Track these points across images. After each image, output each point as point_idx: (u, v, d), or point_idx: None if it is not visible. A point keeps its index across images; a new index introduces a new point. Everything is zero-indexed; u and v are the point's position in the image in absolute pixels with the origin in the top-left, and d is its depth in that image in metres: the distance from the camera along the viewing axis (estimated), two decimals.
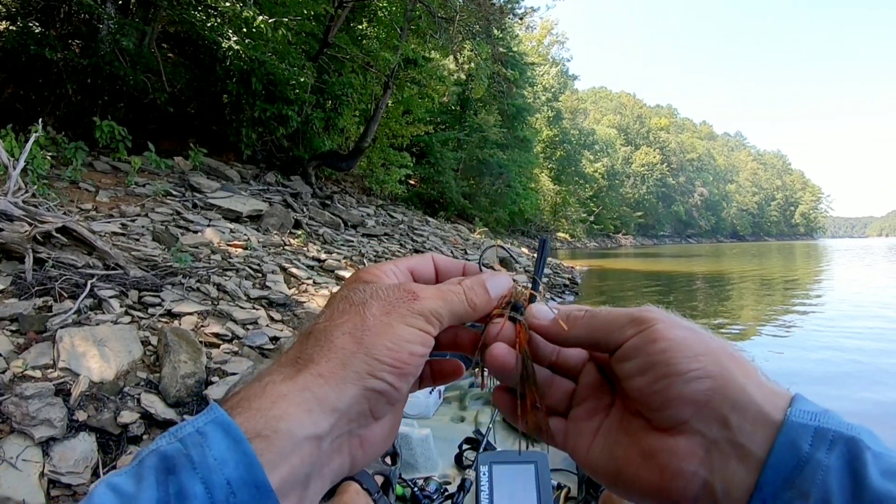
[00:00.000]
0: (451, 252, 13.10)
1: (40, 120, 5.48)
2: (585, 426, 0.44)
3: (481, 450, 1.67)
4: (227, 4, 9.82)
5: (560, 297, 12.10)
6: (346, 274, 6.86)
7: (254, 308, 4.69)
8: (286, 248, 7.50)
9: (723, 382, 0.36)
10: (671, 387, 0.37)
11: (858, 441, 0.32)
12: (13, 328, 3.22)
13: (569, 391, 0.46)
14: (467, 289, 0.46)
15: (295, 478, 0.35)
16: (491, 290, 0.46)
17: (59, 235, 4.22)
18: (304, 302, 5.32)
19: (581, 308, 0.44)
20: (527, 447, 0.48)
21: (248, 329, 4.22)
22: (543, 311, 0.45)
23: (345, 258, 7.94)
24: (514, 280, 0.48)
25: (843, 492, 0.31)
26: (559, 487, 1.52)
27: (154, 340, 3.48)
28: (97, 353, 3.08)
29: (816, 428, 0.33)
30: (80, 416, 2.67)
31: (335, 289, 6.04)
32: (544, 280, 0.48)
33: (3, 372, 2.81)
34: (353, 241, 9.90)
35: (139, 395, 2.97)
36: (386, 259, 8.97)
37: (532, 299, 0.47)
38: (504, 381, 0.46)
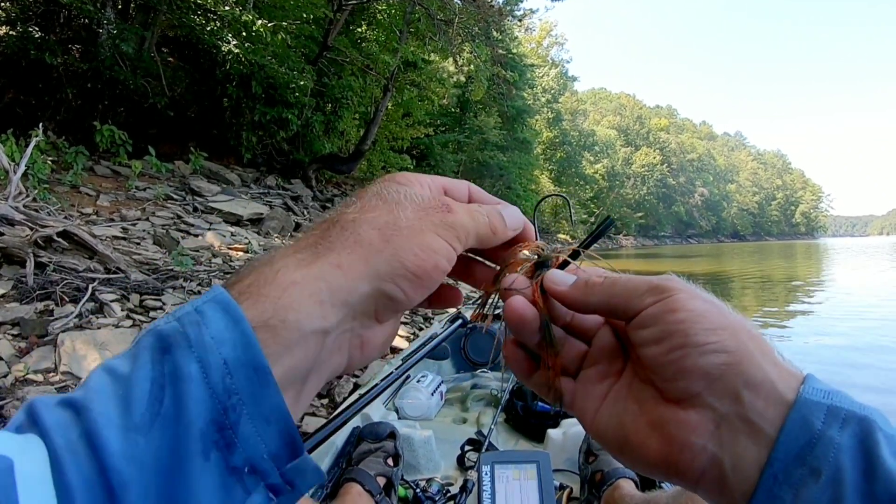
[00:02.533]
0: None
1: (41, 124, 5.49)
2: (594, 389, 0.43)
3: (483, 451, 1.67)
4: (227, 8, 9.84)
5: None
6: None
7: None
8: None
9: (739, 358, 0.35)
10: (686, 357, 0.36)
11: (871, 420, 0.32)
12: (15, 332, 3.22)
13: (581, 352, 0.45)
14: (489, 213, 0.45)
15: (296, 372, 0.35)
16: (507, 220, 0.46)
17: (60, 240, 4.22)
18: None
19: (601, 273, 0.43)
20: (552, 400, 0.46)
21: None
22: (561, 277, 0.44)
23: None
24: (543, 247, 0.47)
25: (856, 470, 0.30)
26: (561, 488, 1.52)
27: None
28: (99, 356, 3.08)
29: (829, 406, 0.33)
30: None
31: None
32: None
33: (5, 376, 2.81)
34: None
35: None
36: None
37: (563, 265, 0.46)
38: (518, 336, 0.45)
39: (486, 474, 1.22)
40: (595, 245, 0.48)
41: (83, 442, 0.28)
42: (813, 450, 0.31)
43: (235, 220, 8.04)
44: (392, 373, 1.17)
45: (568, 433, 1.70)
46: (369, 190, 0.42)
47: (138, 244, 5.46)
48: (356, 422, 1.71)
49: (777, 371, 0.35)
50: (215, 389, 0.30)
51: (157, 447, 0.29)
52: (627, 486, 1.31)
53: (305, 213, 10.66)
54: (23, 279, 3.69)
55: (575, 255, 0.46)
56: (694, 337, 0.36)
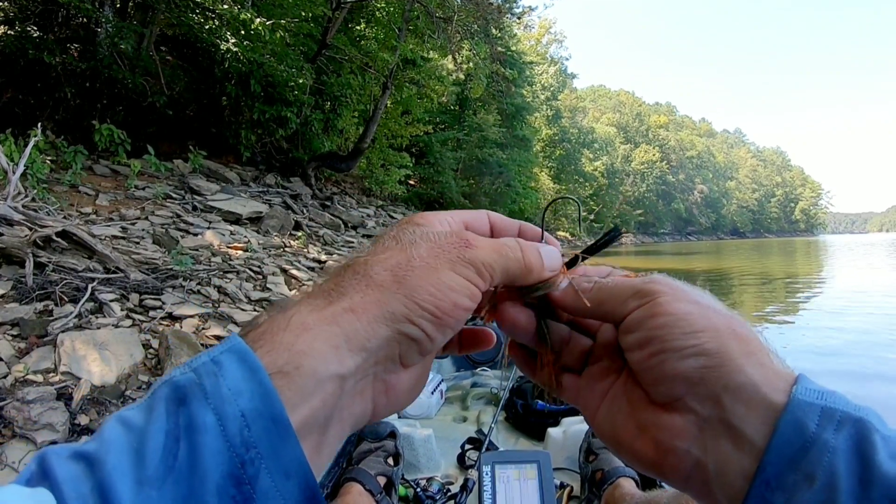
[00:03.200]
0: None
1: (39, 124, 5.48)
2: (597, 386, 0.43)
3: (484, 450, 1.67)
4: (225, 7, 9.82)
5: None
6: None
7: (255, 310, 4.69)
8: (286, 249, 7.51)
9: (719, 361, 0.34)
10: (666, 362, 0.36)
11: (867, 422, 0.31)
12: (14, 332, 3.22)
13: (586, 348, 0.45)
14: (525, 247, 0.43)
15: (315, 420, 0.33)
16: (546, 259, 0.44)
17: (59, 239, 4.22)
18: None
19: (590, 278, 0.43)
20: (546, 396, 0.48)
21: None
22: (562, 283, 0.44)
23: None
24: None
25: (851, 475, 0.29)
26: (562, 486, 1.52)
27: (155, 343, 3.48)
28: (98, 356, 3.08)
29: (823, 407, 0.32)
30: (82, 420, 2.67)
31: None
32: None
33: (5, 376, 2.81)
34: (353, 242, 9.90)
35: (141, 398, 2.97)
36: None
37: (571, 263, 0.46)
38: (514, 337, 0.46)
39: (487, 474, 1.22)
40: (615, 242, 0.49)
41: (95, 495, 0.27)
42: (807, 454, 0.31)
43: (235, 219, 8.04)
44: None
45: (568, 432, 1.70)
46: (386, 234, 0.41)
47: (137, 243, 5.46)
48: None
49: (762, 373, 0.34)
50: (232, 442, 0.29)
51: (172, 501, 0.28)
52: (628, 485, 1.31)
53: (305, 211, 10.66)
54: (22, 279, 3.69)
55: (574, 259, 0.47)
56: (672, 342, 0.36)
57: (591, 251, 0.47)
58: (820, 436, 0.31)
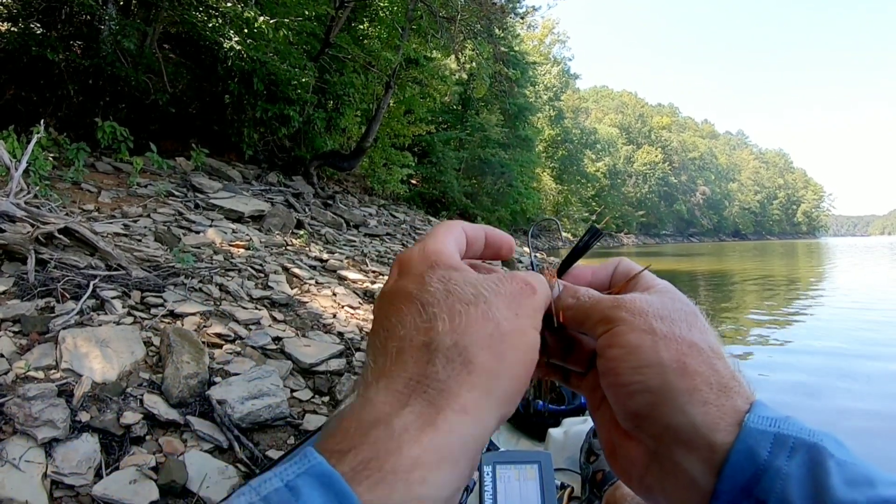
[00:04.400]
0: None
1: (42, 121, 5.49)
2: (598, 391, 0.41)
3: (484, 450, 1.66)
4: (229, 5, 9.84)
5: None
6: (349, 274, 6.87)
7: (256, 308, 4.69)
8: (288, 248, 7.51)
9: (661, 399, 0.34)
10: (618, 395, 0.36)
11: (821, 448, 0.30)
12: (16, 329, 3.22)
13: (592, 350, 0.43)
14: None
15: None
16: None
17: (61, 236, 4.22)
18: (307, 302, 5.31)
19: (575, 293, 0.42)
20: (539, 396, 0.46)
21: (250, 329, 4.22)
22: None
23: (347, 258, 7.94)
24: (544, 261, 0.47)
25: (804, 500, 0.29)
26: (563, 487, 1.52)
27: (156, 341, 3.48)
28: (100, 353, 3.08)
29: (776, 434, 0.31)
30: (83, 416, 2.67)
31: (338, 289, 6.06)
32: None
33: (6, 373, 2.81)
34: (355, 241, 9.90)
35: (142, 395, 2.97)
36: (389, 259, 8.98)
37: (563, 267, 0.46)
38: None
39: (488, 474, 1.22)
40: (596, 244, 0.47)
41: None
42: (759, 482, 0.30)
43: (237, 217, 8.04)
44: None
45: (569, 432, 1.70)
46: (430, 289, 0.34)
47: (139, 241, 5.46)
48: None
49: (703, 412, 0.33)
50: None
51: None
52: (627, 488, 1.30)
53: (307, 209, 10.66)
54: (24, 276, 3.69)
55: (563, 268, 0.46)
56: (620, 377, 0.35)
57: (574, 257, 0.46)
58: (772, 463, 0.30)
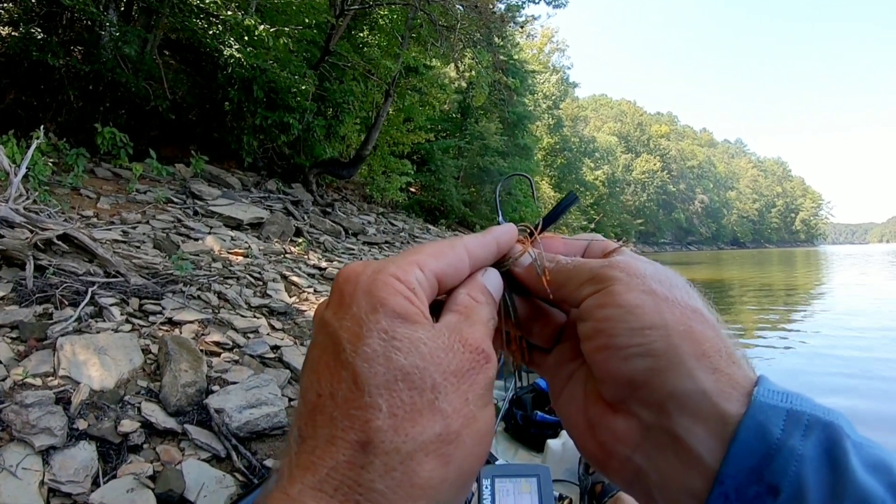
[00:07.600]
0: None
1: (42, 126, 5.51)
2: (563, 369, 0.38)
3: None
4: (229, 13, 9.87)
5: None
6: None
7: (255, 316, 4.68)
8: (287, 255, 7.50)
9: (666, 364, 0.30)
10: (611, 360, 0.32)
11: (837, 427, 0.27)
12: (14, 335, 3.21)
13: (559, 324, 0.40)
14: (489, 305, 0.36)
15: None
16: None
17: (59, 242, 4.22)
18: (305, 311, 5.31)
19: (552, 257, 0.39)
20: (515, 374, 0.42)
21: (248, 338, 4.21)
22: (522, 259, 0.39)
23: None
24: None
25: (821, 486, 0.26)
26: (561, 499, 1.51)
27: (155, 349, 3.48)
28: (98, 361, 3.08)
29: (789, 410, 0.28)
30: (81, 424, 2.66)
31: None
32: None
33: (4, 380, 2.80)
34: (353, 249, 9.90)
35: (140, 403, 2.96)
36: None
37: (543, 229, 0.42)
38: None
39: (487, 487, 1.22)
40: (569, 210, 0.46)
41: None
42: (771, 463, 0.27)
43: (236, 225, 8.04)
44: None
45: (568, 443, 1.70)
46: (369, 353, 0.28)
47: (138, 248, 5.46)
48: None
49: (714, 379, 0.30)
50: None
51: None
52: (628, 499, 1.30)
53: (306, 217, 10.66)
54: (22, 282, 3.69)
55: (543, 226, 0.43)
56: (617, 338, 0.32)
57: (550, 220, 0.44)
58: (786, 442, 0.27)
